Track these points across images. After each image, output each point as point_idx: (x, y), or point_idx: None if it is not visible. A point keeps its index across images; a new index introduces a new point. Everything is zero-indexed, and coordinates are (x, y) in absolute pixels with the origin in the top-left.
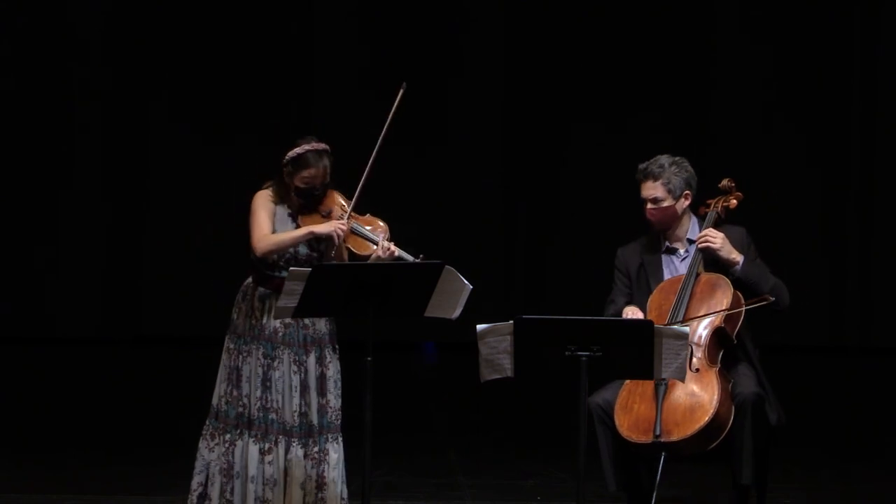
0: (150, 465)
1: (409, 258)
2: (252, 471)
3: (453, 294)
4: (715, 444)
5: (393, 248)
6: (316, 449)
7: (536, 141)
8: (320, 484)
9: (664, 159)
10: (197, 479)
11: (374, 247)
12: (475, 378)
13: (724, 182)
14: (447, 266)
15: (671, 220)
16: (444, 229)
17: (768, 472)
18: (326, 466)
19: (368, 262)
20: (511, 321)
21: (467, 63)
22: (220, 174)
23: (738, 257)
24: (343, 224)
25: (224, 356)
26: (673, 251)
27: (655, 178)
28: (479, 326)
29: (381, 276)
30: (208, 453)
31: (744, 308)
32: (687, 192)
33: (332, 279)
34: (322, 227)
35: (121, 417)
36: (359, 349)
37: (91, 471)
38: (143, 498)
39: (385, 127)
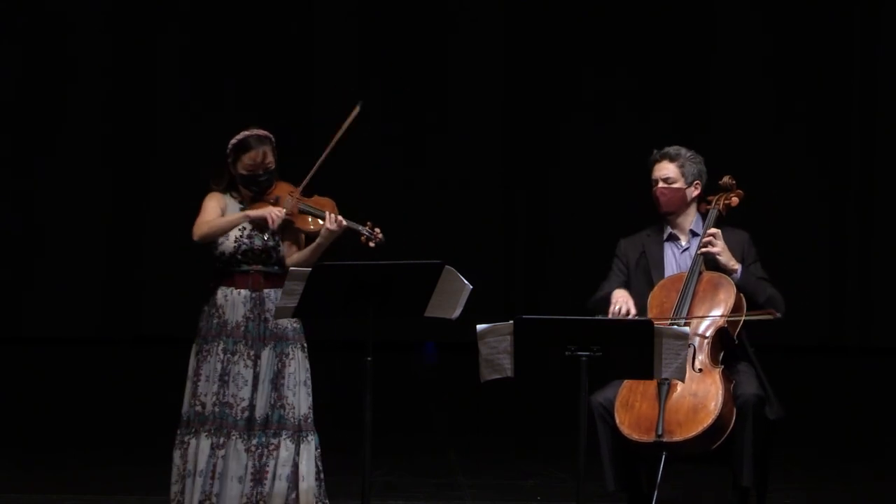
0: (150, 465)
1: (359, 227)
2: (201, 465)
3: (453, 294)
4: (716, 444)
5: (341, 219)
6: (255, 442)
7: (536, 140)
8: (259, 479)
9: (681, 147)
10: (174, 489)
11: (322, 222)
12: (475, 378)
13: (725, 179)
14: (447, 266)
15: (679, 203)
16: (444, 229)
17: (768, 473)
18: (272, 462)
19: (320, 237)
20: (511, 321)
21: (467, 63)
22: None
23: (736, 265)
24: (278, 209)
25: (191, 361)
26: (675, 239)
27: (672, 160)
28: (479, 326)
29: (381, 276)
30: (180, 461)
31: (743, 318)
32: (697, 181)
33: (331, 279)
34: (256, 211)
35: (121, 417)
36: (359, 349)
37: (91, 471)
38: (143, 498)
39: (334, 140)
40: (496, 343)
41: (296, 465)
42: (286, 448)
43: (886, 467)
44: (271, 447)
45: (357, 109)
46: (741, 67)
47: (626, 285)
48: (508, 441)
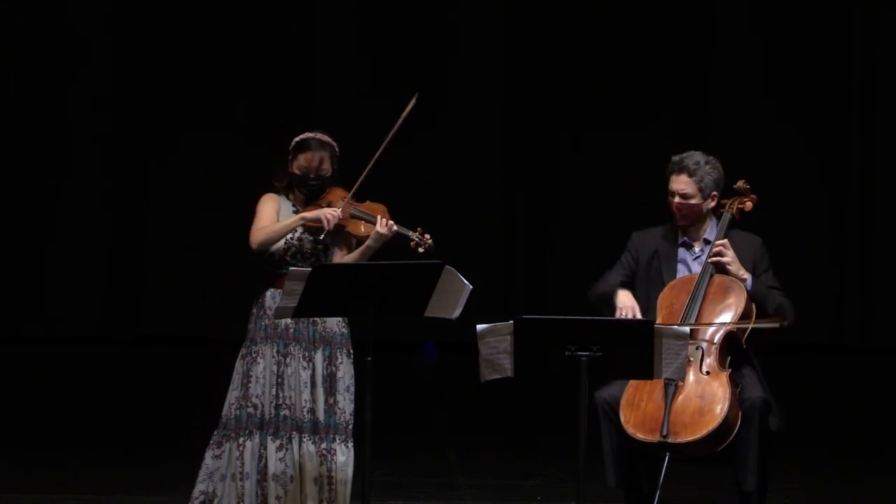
0: (150, 465)
1: (409, 232)
2: (271, 468)
3: (453, 294)
4: (721, 447)
5: (392, 224)
6: (324, 446)
7: (537, 140)
8: (329, 481)
9: (699, 156)
10: (199, 488)
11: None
12: (475, 378)
13: (740, 183)
14: (447, 266)
15: (695, 217)
16: (444, 229)
17: (768, 476)
18: (334, 466)
19: (370, 240)
20: (511, 321)
21: (467, 62)
22: (220, 174)
23: (745, 275)
24: (333, 210)
25: (238, 364)
26: (689, 246)
27: (690, 175)
28: (479, 326)
29: (381, 276)
30: (213, 462)
31: (752, 325)
32: (715, 192)
33: (332, 279)
34: (311, 213)
35: (121, 417)
36: (359, 349)
37: (91, 471)
38: (143, 498)
39: (393, 130)
40: (496, 343)
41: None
42: (342, 452)
43: (886, 467)
44: (332, 451)
45: (413, 101)
46: (741, 68)
47: (631, 279)
48: (508, 441)
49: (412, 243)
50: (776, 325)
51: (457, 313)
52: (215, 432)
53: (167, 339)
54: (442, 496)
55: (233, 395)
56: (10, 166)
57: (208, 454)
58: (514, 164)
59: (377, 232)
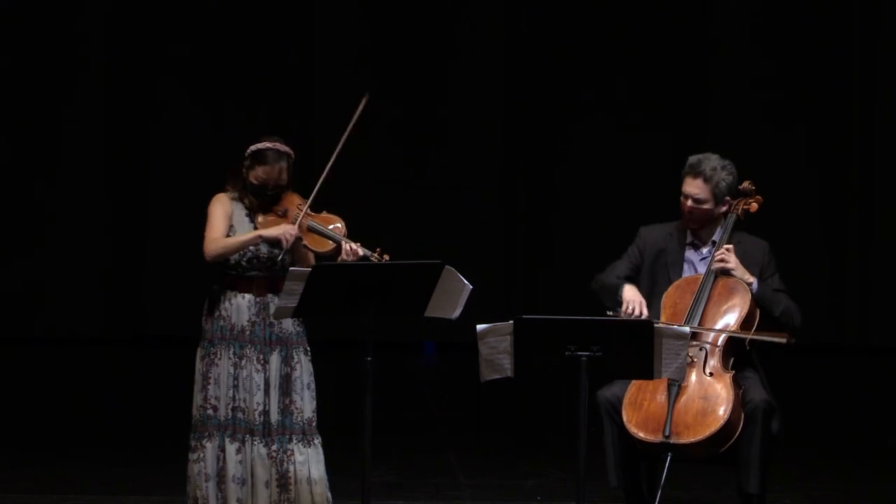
0: (151, 465)
1: (369, 252)
2: (230, 470)
3: (453, 294)
4: (723, 449)
5: (357, 249)
6: (275, 447)
7: (537, 140)
8: (283, 484)
9: (716, 160)
10: (188, 489)
11: (333, 244)
12: (475, 378)
13: (745, 184)
14: (447, 266)
15: (706, 221)
16: (444, 229)
17: (768, 477)
18: (292, 466)
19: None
20: (511, 321)
21: (468, 62)
22: (221, 174)
23: (750, 279)
24: (292, 228)
25: (198, 365)
26: (696, 247)
27: (706, 180)
28: (479, 326)
29: (382, 276)
30: (191, 465)
31: (758, 337)
32: (728, 198)
33: (331, 279)
34: (271, 231)
35: (122, 417)
36: (359, 349)
37: (91, 471)
38: (143, 498)
39: (345, 135)
40: (496, 343)
41: (307, 469)
42: (300, 452)
43: (886, 467)
44: (289, 452)
45: (364, 101)
46: (741, 69)
47: (636, 271)
48: (508, 441)
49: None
50: (782, 340)
51: (457, 313)
52: (190, 435)
53: (167, 339)
54: (442, 496)
55: (198, 396)
56: (9, 164)
57: (191, 457)
58: (514, 165)
59: (342, 259)
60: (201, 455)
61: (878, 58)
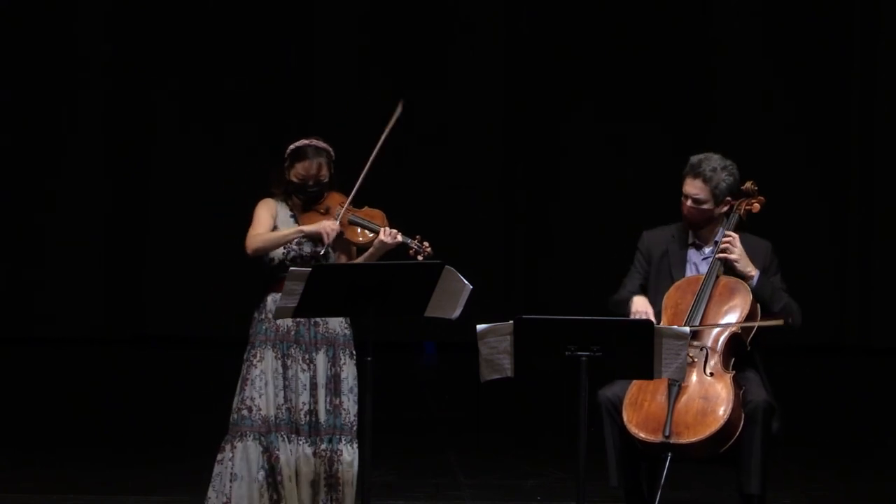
0: (151, 466)
1: (409, 240)
2: (254, 468)
3: (453, 294)
4: (723, 449)
5: (396, 233)
6: (324, 447)
7: (537, 140)
8: (332, 484)
9: (716, 161)
10: (210, 491)
11: (374, 235)
12: (475, 378)
13: (748, 185)
14: (447, 266)
15: (707, 221)
16: (444, 229)
17: (768, 478)
18: (340, 467)
19: (372, 248)
20: (511, 321)
21: (468, 62)
22: (222, 173)
23: (753, 271)
24: (332, 223)
25: (242, 368)
26: (699, 248)
27: (706, 181)
28: (479, 326)
29: (382, 277)
30: (218, 466)
31: (757, 324)
32: (728, 198)
33: (331, 279)
34: (311, 227)
35: (122, 417)
36: (359, 349)
37: (91, 471)
38: (143, 498)
39: (383, 137)
40: (496, 343)
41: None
42: (348, 453)
43: (886, 467)
44: (338, 452)
45: (399, 109)
46: (742, 69)
47: (647, 280)
48: (508, 441)
49: (411, 251)
50: (779, 322)
51: (457, 313)
52: (226, 437)
53: (167, 339)
54: (442, 496)
55: (236, 399)
56: (10, 164)
57: (218, 457)
58: (514, 165)
59: (381, 241)
60: (228, 455)
61: (878, 58)
